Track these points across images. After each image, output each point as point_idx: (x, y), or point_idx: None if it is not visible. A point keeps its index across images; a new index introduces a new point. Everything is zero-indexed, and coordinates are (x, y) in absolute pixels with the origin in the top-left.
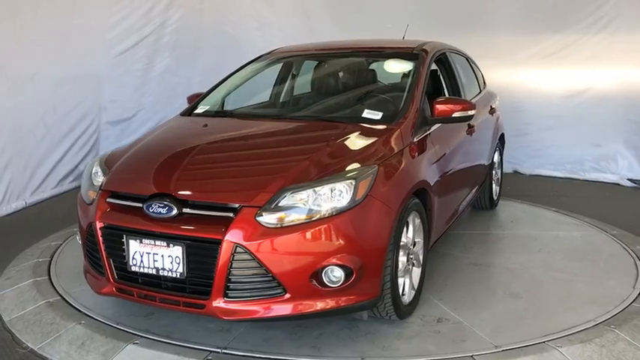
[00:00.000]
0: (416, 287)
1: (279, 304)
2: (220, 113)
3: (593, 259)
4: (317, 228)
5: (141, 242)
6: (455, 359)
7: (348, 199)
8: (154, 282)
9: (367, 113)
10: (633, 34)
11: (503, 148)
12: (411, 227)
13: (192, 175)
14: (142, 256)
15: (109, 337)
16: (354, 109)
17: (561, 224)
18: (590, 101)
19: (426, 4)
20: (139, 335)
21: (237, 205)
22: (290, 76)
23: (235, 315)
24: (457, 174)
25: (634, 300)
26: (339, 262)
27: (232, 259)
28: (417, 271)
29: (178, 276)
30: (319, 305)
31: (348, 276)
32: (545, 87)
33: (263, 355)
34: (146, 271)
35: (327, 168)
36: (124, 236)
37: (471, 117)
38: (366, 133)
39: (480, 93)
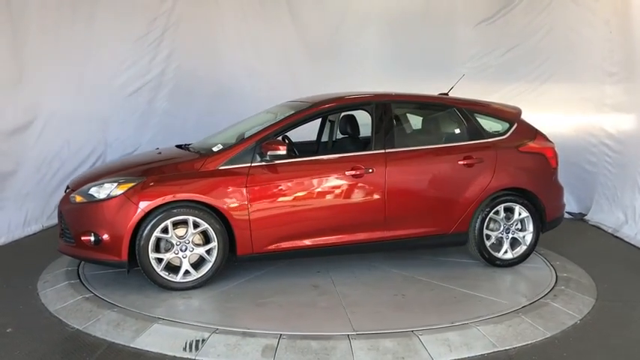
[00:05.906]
0: (202, 274)
1: (72, 248)
2: (187, 146)
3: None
4: (88, 207)
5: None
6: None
7: (108, 194)
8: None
9: (215, 147)
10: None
11: (532, 205)
12: (190, 227)
13: (87, 175)
14: (59, 216)
15: (138, 320)
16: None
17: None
18: None
19: (396, 60)
20: (161, 318)
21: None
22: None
23: (63, 250)
24: (317, 209)
25: None
26: (93, 231)
27: (61, 218)
28: (208, 265)
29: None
30: (88, 255)
31: (97, 241)
32: None
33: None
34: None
35: (121, 173)
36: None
37: (281, 155)
38: (187, 158)
39: (452, 142)
